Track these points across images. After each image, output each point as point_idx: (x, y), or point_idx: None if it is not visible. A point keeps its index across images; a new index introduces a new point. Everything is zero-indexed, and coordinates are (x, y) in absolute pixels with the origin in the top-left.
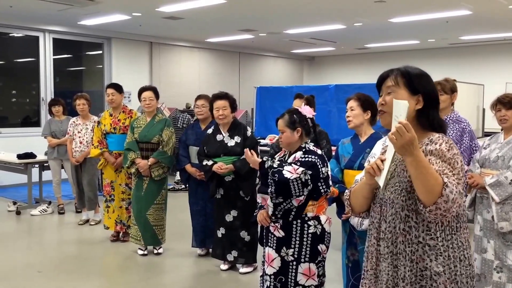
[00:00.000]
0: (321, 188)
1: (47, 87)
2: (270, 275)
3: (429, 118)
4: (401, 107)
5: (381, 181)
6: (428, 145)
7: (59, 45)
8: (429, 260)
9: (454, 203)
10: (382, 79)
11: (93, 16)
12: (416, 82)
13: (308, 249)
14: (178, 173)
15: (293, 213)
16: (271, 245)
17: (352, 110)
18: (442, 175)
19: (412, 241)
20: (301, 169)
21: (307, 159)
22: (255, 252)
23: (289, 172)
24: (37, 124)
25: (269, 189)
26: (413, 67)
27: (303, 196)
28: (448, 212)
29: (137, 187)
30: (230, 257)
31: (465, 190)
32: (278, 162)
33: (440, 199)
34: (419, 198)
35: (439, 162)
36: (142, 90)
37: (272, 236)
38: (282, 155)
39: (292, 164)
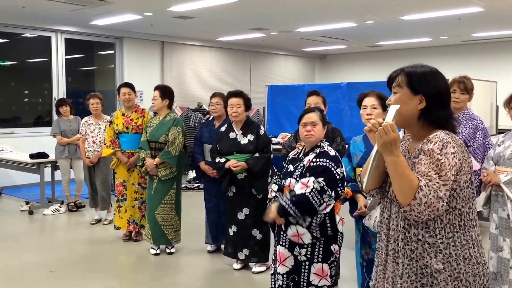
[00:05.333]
0: (339, 191)
1: (59, 87)
2: (282, 274)
3: (431, 117)
4: (392, 110)
5: (364, 182)
6: (424, 144)
7: (71, 45)
8: (429, 258)
9: (429, 207)
10: (391, 79)
11: (105, 16)
12: (417, 82)
13: (321, 249)
14: (190, 172)
15: (328, 225)
16: (284, 244)
17: (374, 108)
18: (423, 178)
19: (411, 239)
20: (311, 179)
21: (318, 163)
22: (267, 251)
23: (301, 187)
24: (49, 124)
25: (294, 214)
26: (420, 66)
27: (325, 204)
28: (421, 214)
29: (148, 186)
30: (241, 256)
31: (477, 189)
32: (288, 195)
33: (413, 201)
34: (396, 197)
35: (427, 163)
36: (155, 89)
37: (284, 235)
38: (296, 153)
39: (300, 181)
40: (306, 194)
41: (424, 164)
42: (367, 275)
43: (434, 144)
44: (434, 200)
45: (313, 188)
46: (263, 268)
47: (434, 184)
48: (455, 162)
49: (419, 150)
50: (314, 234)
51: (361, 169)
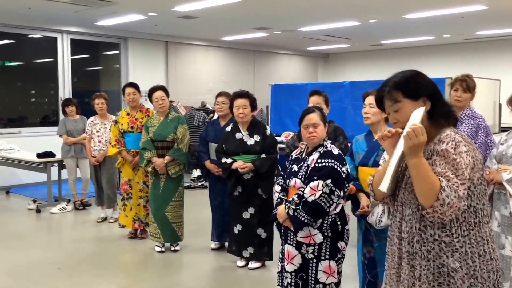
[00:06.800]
0: (345, 188)
1: (65, 87)
2: (290, 272)
3: (439, 113)
4: (418, 114)
5: (384, 186)
6: (436, 145)
7: (76, 46)
8: (445, 257)
9: (451, 207)
10: (380, 99)
11: (110, 16)
12: (412, 88)
13: (328, 247)
14: (194, 170)
15: (338, 223)
16: (291, 243)
17: (371, 107)
18: (442, 178)
19: (428, 240)
20: (320, 182)
21: (324, 164)
22: (270, 249)
23: (311, 193)
24: (55, 123)
25: (310, 223)
26: (402, 73)
27: (335, 204)
28: (444, 215)
29: (154, 185)
30: (246, 254)
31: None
32: (297, 200)
33: (436, 202)
34: (418, 199)
35: (442, 164)
36: (152, 91)
37: (292, 233)
38: (298, 152)
39: (309, 186)
40: (317, 200)
41: (439, 165)
42: (368, 273)
43: (447, 144)
44: (456, 200)
45: (323, 192)
46: (258, 264)
47: (454, 184)
48: (469, 160)
49: (431, 151)
50: (325, 234)
51: (364, 168)
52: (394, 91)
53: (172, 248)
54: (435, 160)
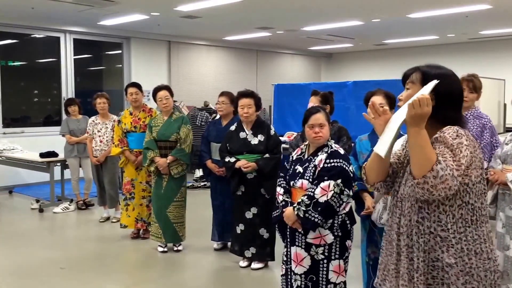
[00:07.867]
0: (352, 188)
1: (68, 87)
2: (300, 275)
3: (439, 116)
4: (428, 86)
5: (382, 150)
6: (437, 135)
7: (79, 46)
8: (440, 251)
9: (443, 182)
10: (406, 76)
11: (112, 16)
12: (431, 80)
13: (337, 246)
14: (197, 170)
15: (348, 222)
16: (299, 245)
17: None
18: (439, 155)
19: (425, 232)
20: (331, 183)
21: (333, 164)
22: (273, 249)
23: (322, 193)
24: (58, 123)
25: (321, 223)
26: (436, 67)
27: (344, 203)
28: (434, 189)
29: (157, 185)
30: (248, 253)
31: (486, 185)
32: (307, 201)
33: (429, 173)
34: (411, 169)
35: (441, 147)
36: (157, 90)
37: (300, 235)
38: (300, 153)
39: (320, 187)
40: (329, 201)
41: (438, 148)
42: (372, 274)
43: (448, 133)
44: (449, 177)
45: (334, 192)
46: (261, 265)
47: (451, 164)
48: (467, 153)
49: (431, 141)
50: (336, 234)
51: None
52: (419, 72)
53: (175, 248)
54: (435, 146)
